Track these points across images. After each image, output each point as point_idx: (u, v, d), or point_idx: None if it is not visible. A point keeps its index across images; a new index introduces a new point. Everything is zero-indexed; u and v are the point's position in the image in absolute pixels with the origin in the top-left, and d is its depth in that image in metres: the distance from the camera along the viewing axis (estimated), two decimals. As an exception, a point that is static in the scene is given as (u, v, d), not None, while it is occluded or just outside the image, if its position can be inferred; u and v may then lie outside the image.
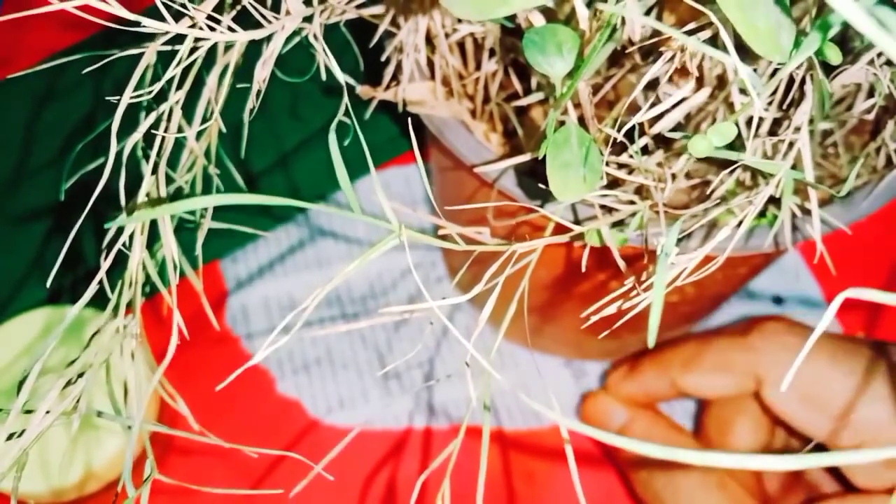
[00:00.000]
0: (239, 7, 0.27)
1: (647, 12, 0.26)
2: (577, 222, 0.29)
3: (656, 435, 0.40)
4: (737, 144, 0.24)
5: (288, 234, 0.50)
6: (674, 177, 0.28)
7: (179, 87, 0.27)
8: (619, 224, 0.29)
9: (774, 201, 0.31)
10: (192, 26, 0.24)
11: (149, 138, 0.27)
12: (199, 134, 0.29)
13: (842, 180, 0.33)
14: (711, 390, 0.38)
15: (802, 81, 0.27)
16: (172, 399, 0.26)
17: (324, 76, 0.30)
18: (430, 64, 0.33)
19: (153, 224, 0.27)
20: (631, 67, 0.31)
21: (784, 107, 0.29)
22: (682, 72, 0.28)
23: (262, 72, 0.28)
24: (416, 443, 0.44)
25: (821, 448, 0.36)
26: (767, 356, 0.36)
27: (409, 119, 0.30)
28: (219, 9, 0.26)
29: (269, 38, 0.27)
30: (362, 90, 0.33)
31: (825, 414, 0.35)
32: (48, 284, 0.45)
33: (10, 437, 0.23)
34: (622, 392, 0.42)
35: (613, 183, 0.30)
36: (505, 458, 0.44)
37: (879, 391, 0.34)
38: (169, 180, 0.28)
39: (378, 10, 0.31)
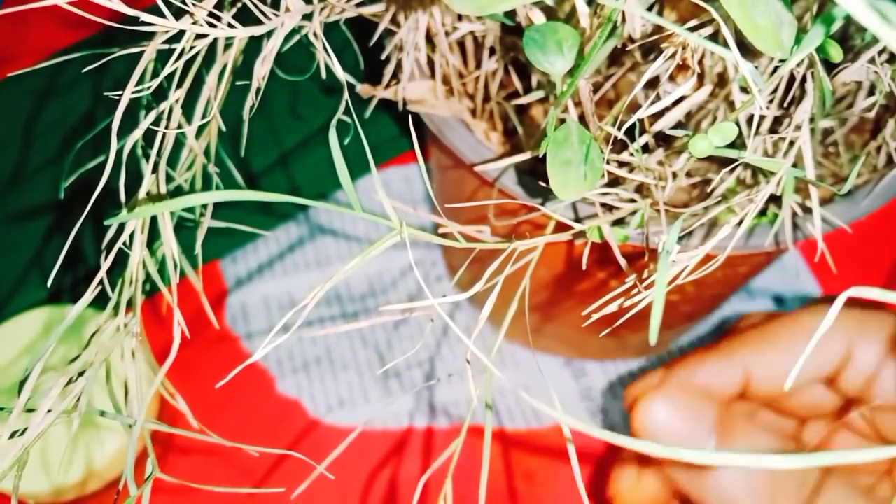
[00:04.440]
0: (239, 4, 0.27)
1: (649, 9, 0.26)
2: (578, 220, 0.29)
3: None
4: (737, 142, 0.24)
5: (288, 233, 0.50)
6: (674, 175, 0.28)
7: (179, 85, 0.27)
8: (619, 222, 0.29)
9: (775, 200, 0.31)
10: (193, 23, 0.24)
11: (148, 137, 0.27)
12: (199, 132, 0.29)
13: (842, 179, 0.33)
14: (801, 374, 0.32)
15: (803, 79, 0.27)
16: (173, 398, 0.26)
17: (324, 75, 0.30)
18: (431, 62, 0.33)
19: (153, 223, 0.27)
20: (631, 66, 0.31)
21: (785, 105, 0.29)
22: (683, 70, 0.28)
23: (262, 69, 0.27)
24: (416, 443, 0.44)
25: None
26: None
27: (410, 118, 0.30)
28: (219, 6, 0.26)
29: (268, 36, 0.27)
30: (362, 89, 0.33)
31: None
32: (49, 284, 0.45)
33: (11, 435, 0.23)
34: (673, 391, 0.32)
35: (614, 181, 0.30)
36: (506, 457, 0.44)
37: None
38: (169, 179, 0.28)
39: (378, 8, 0.31)
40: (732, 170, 0.29)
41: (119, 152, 0.25)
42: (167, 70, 0.25)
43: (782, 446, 0.32)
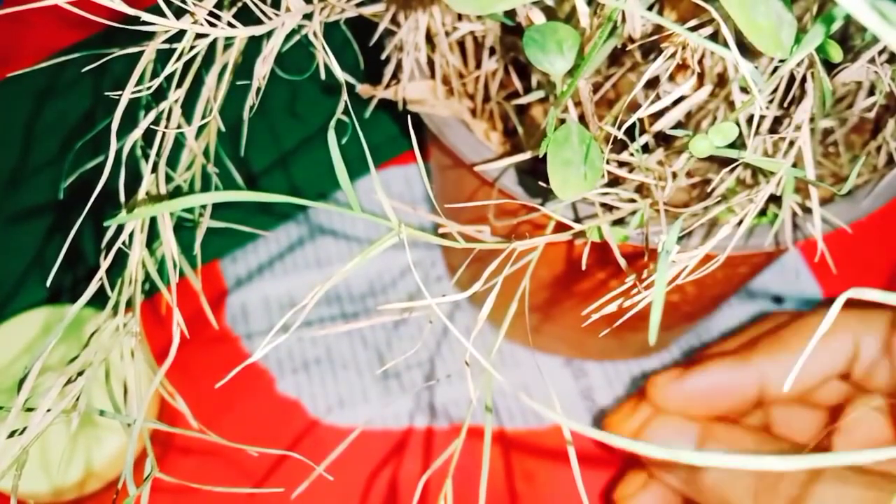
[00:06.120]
0: (239, 4, 0.27)
1: (649, 8, 0.26)
2: (578, 221, 0.29)
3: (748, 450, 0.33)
4: (737, 142, 0.24)
5: (288, 233, 0.50)
6: (674, 175, 0.28)
7: (179, 85, 0.27)
8: (619, 222, 0.29)
9: (775, 200, 0.31)
10: (193, 23, 0.24)
11: (148, 137, 0.27)
12: (199, 132, 0.29)
13: (842, 179, 0.33)
14: (815, 373, 0.34)
15: (803, 79, 0.27)
16: (172, 398, 0.26)
17: (323, 75, 0.29)
18: (431, 62, 0.33)
19: (153, 223, 0.27)
20: (631, 66, 0.31)
21: (785, 105, 0.29)
22: (683, 70, 0.28)
23: (262, 69, 0.27)
24: (416, 443, 0.44)
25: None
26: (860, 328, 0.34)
27: (409, 118, 0.30)
28: (219, 5, 0.26)
29: (268, 36, 0.27)
30: (362, 89, 0.33)
31: None
32: (48, 284, 0.45)
33: (10, 434, 0.23)
34: (673, 401, 0.35)
35: (614, 181, 0.30)
36: (506, 457, 0.44)
37: None
38: (168, 179, 0.28)
39: (378, 8, 0.31)
40: (732, 170, 0.29)
41: (118, 152, 0.25)
42: (167, 70, 0.25)
43: (765, 446, 0.34)
